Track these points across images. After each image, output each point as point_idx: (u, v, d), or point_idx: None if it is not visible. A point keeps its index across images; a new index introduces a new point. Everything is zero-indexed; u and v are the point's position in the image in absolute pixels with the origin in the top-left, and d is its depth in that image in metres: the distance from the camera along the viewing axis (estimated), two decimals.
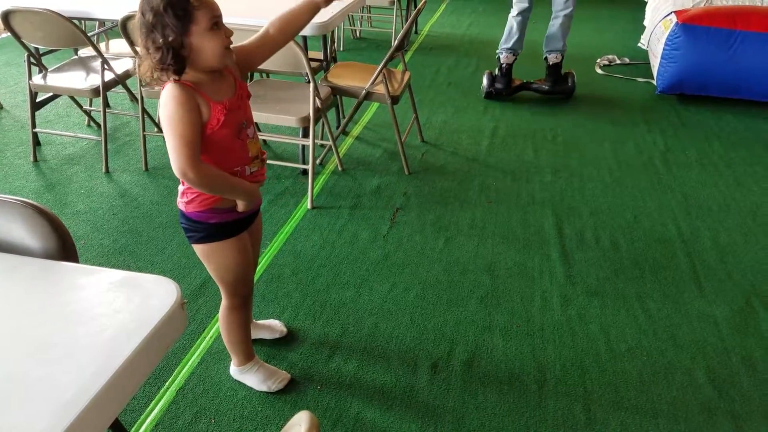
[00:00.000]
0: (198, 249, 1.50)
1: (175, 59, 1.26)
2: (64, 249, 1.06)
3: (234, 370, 1.75)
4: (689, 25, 3.57)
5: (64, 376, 0.76)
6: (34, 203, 1.06)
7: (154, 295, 0.91)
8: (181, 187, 1.44)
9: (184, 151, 1.28)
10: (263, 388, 1.72)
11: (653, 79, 4.03)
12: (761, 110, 3.72)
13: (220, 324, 1.67)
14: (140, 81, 2.74)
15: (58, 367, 0.78)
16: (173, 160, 1.30)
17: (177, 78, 1.30)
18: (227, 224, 1.46)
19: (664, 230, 2.52)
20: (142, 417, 1.65)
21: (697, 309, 2.08)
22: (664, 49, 3.72)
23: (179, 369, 1.80)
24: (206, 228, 1.44)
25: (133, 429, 1.61)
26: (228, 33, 1.32)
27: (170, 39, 1.24)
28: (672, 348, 1.91)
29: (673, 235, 2.49)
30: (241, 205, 1.44)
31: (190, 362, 1.83)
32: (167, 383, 1.75)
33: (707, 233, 2.50)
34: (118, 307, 0.89)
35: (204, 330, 1.95)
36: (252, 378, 1.72)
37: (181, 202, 1.45)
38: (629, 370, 1.82)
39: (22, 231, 1.05)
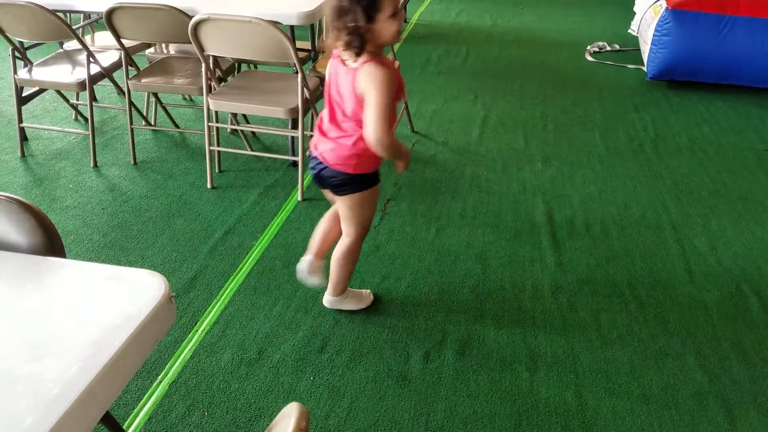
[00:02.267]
0: (354, 198, 1.73)
1: (360, 42, 1.46)
2: (50, 244, 1.05)
3: (331, 300, 1.97)
4: (679, 10, 3.57)
5: (50, 371, 0.75)
6: (19, 198, 1.05)
7: (141, 290, 0.90)
8: (344, 153, 1.63)
9: (384, 121, 1.50)
10: (361, 306, 1.99)
11: (643, 65, 4.03)
12: (751, 95, 3.73)
13: (339, 260, 1.86)
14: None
15: (44, 363, 0.77)
16: (372, 128, 1.50)
17: (358, 54, 1.49)
18: (376, 173, 1.74)
19: (655, 217, 2.53)
20: (135, 411, 1.64)
21: (687, 295, 2.10)
22: (654, 35, 3.72)
23: (172, 362, 1.80)
24: (365, 179, 1.71)
25: (126, 423, 1.61)
26: (402, 16, 1.54)
27: (359, 24, 1.44)
28: (663, 334, 1.93)
29: (663, 221, 2.50)
30: (400, 166, 1.69)
31: (182, 355, 1.82)
32: (160, 377, 1.75)
33: (697, 219, 2.52)
34: (105, 302, 0.88)
35: (196, 323, 1.94)
36: (349, 303, 1.97)
37: (347, 165, 1.65)
38: (620, 357, 1.84)
39: (6, 226, 1.03)
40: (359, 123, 1.58)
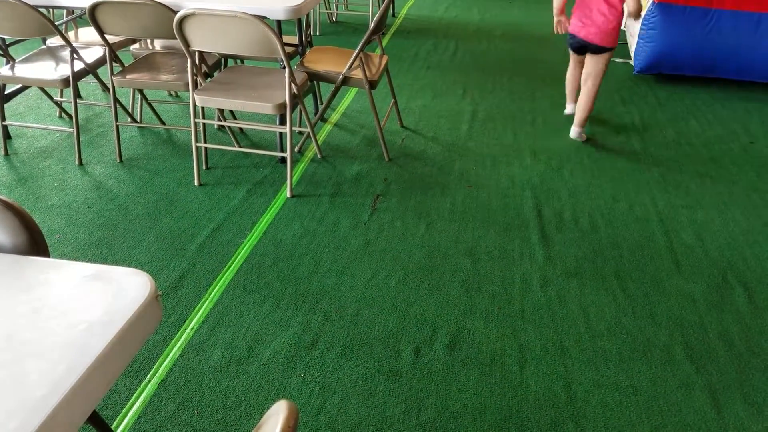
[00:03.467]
0: (606, 55, 2.90)
1: None
2: (34, 243, 1.04)
3: (578, 131, 3.10)
4: (665, 4, 3.58)
5: (36, 372, 0.74)
6: (1, 197, 1.03)
7: (127, 288, 0.89)
8: (608, 34, 2.80)
9: None
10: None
11: (631, 59, 4.05)
12: (736, 88, 3.76)
13: (588, 100, 3.01)
14: (113, 68, 2.68)
15: (29, 363, 0.76)
16: (639, 5, 2.75)
17: None
18: None
19: (642, 209, 2.55)
20: (124, 410, 1.63)
21: (674, 286, 2.11)
22: (641, 29, 3.73)
23: (161, 361, 1.79)
24: (613, 48, 2.90)
25: (115, 422, 1.59)
26: None
27: None
28: (650, 325, 1.94)
29: (650, 214, 2.52)
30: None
31: (171, 354, 1.81)
32: (149, 376, 1.74)
33: (684, 211, 2.54)
34: (90, 301, 0.87)
35: (185, 321, 1.93)
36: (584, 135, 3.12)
37: (609, 42, 2.84)
38: (609, 349, 1.85)
39: None
40: (619, 11, 2.76)
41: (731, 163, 2.93)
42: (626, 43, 4.28)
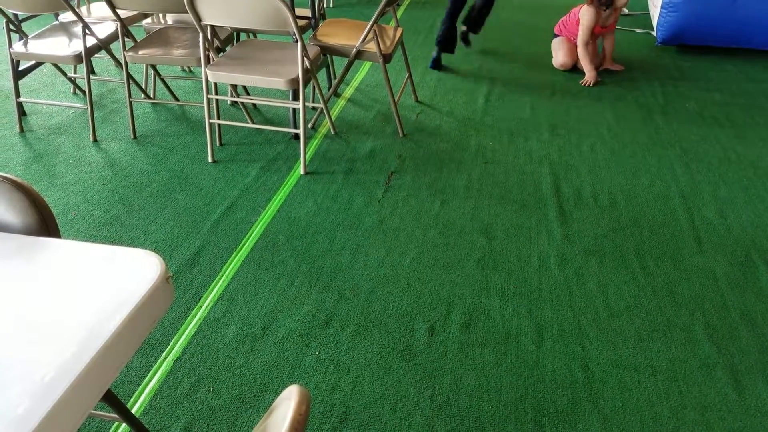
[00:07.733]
0: None
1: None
2: (44, 224, 1.03)
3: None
4: None
5: (45, 356, 0.73)
6: (11, 177, 1.02)
7: (137, 270, 0.88)
8: None
9: None
10: None
11: (653, 30, 3.92)
12: (762, 60, 3.63)
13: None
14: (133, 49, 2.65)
15: (38, 347, 0.75)
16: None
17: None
18: None
19: (663, 185, 2.48)
20: (140, 388, 1.65)
21: (696, 265, 2.07)
22: None
23: (176, 339, 1.80)
24: None
25: (131, 400, 1.61)
26: None
27: None
28: (671, 305, 1.90)
29: (672, 190, 2.45)
30: None
31: (187, 332, 1.82)
32: (164, 353, 1.75)
33: (707, 187, 2.47)
34: (100, 283, 0.86)
35: (200, 299, 1.93)
36: None
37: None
38: (627, 328, 1.82)
39: None
40: None
41: (756, 137, 2.84)
42: (648, 14, 4.14)
